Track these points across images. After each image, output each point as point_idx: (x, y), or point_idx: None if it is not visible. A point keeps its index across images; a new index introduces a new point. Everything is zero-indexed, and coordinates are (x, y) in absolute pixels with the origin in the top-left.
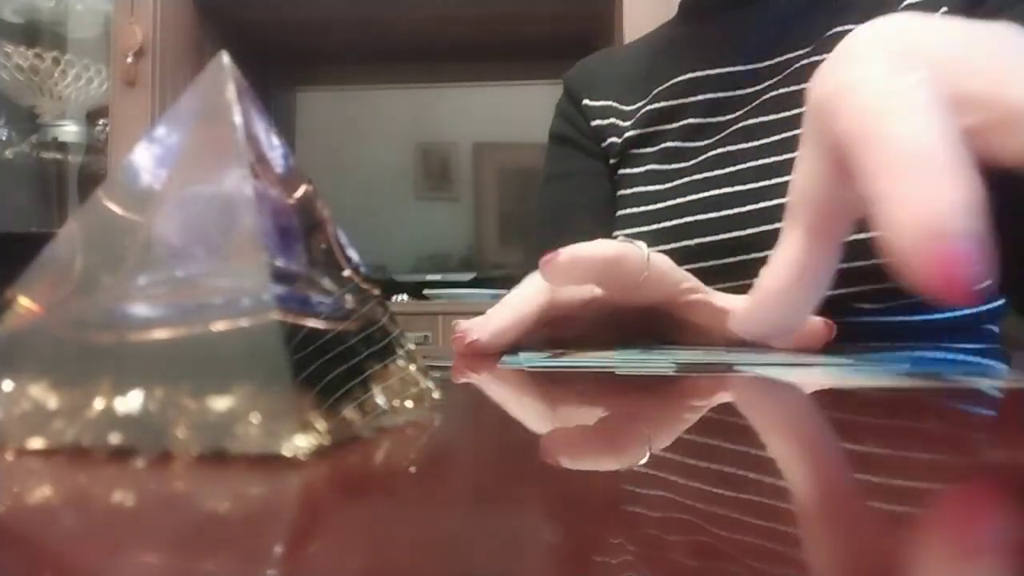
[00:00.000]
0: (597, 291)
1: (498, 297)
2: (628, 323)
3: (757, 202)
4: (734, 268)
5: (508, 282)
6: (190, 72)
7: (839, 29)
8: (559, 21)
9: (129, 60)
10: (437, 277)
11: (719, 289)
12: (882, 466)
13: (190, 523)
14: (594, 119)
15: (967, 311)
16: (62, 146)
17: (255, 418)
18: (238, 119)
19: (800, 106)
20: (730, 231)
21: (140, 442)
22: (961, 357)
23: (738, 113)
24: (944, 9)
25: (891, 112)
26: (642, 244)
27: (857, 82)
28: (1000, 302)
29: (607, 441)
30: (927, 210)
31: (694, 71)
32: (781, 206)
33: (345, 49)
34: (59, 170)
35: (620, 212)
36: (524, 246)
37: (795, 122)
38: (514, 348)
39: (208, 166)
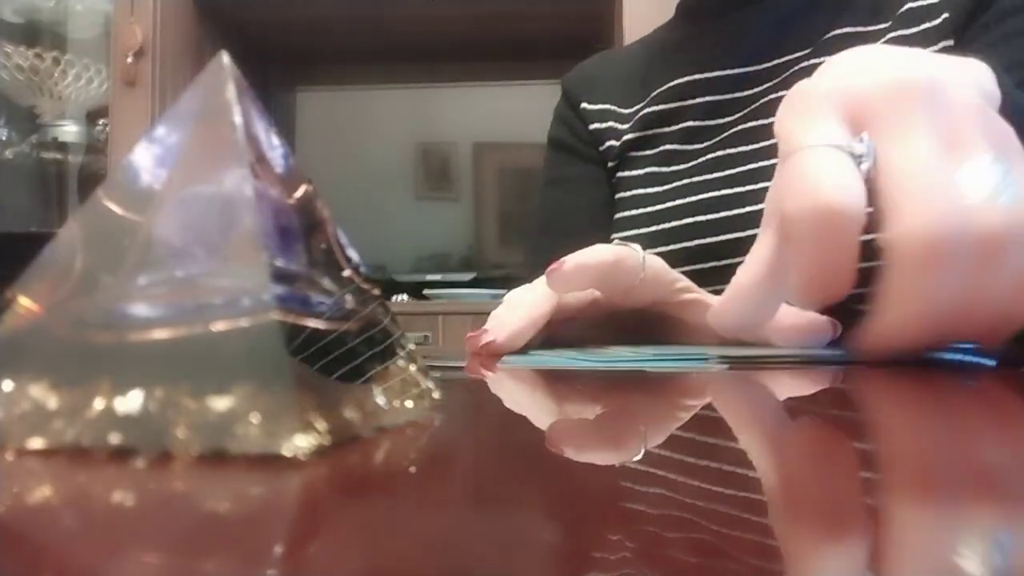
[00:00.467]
0: (597, 294)
1: (498, 297)
2: (624, 324)
3: (756, 204)
4: (733, 270)
5: (508, 282)
6: (190, 72)
7: (838, 32)
8: (559, 21)
9: (129, 60)
10: (437, 277)
11: (718, 290)
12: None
13: (190, 523)
14: (592, 123)
15: None
16: (62, 146)
17: (255, 418)
18: (238, 119)
19: None
20: (729, 233)
21: (140, 442)
22: (959, 357)
23: (737, 116)
24: (945, 15)
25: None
26: (637, 247)
27: (794, 139)
28: None
29: (608, 439)
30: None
31: (693, 74)
32: None
33: (345, 49)
34: (59, 170)
35: (619, 214)
36: (524, 246)
37: None
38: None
39: (208, 166)
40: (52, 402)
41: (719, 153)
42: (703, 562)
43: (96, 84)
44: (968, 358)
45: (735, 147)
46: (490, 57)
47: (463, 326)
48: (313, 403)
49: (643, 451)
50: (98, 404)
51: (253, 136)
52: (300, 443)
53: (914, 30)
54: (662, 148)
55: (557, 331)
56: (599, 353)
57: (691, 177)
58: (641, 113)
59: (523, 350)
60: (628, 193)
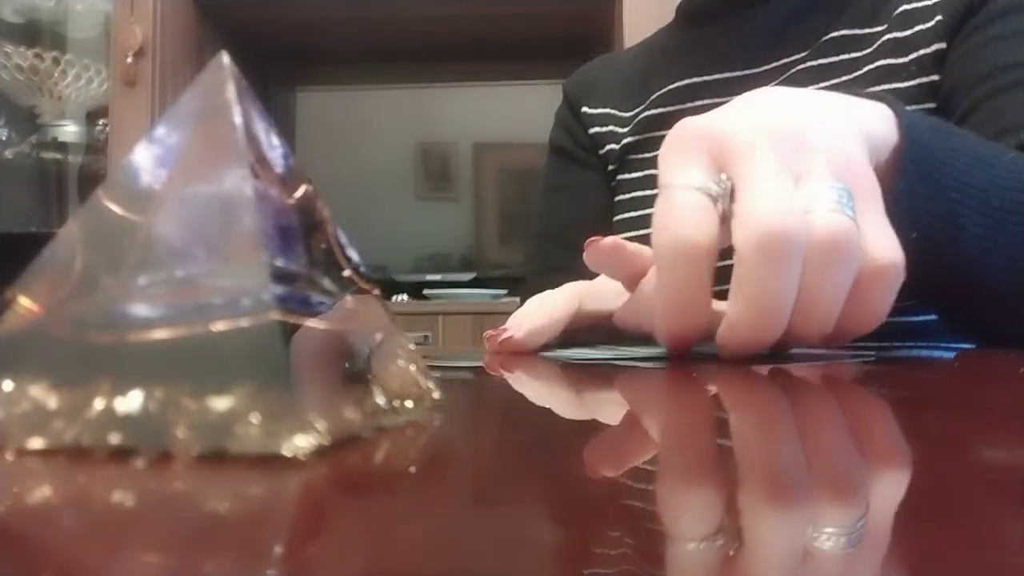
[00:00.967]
0: (616, 305)
1: (498, 297)
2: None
3: None
4: (731, 270)
5: (508, 282)
6: (190, 72)
7: (836, 34)
8: (559, 21)
9: (129, 60)
10: (437, 277)
11: (716, 293)
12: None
13: (190, 523)
14: (593, 127)
15: None
16: (62, 146)
17: (255, 418)
18: (238, 119)
19: None
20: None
21: (140, 442)
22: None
23: None
24: (938, 18)
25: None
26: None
27: (666, 175)
28: None
29: (608, 439)
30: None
31: (692, 76)
32: None
33: (345, 49)
34: (59, 170)
35: (619, 216)
36: (524, 247)
37: None
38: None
39: (208, 166)
40: (52, 402)
41: None
42: (702, 561)
43: (96, 84)
44: (927, 354)
45: None
46: (490, 57)
47: (463, 326)
48: (313, 403)
49: (643, 451)
50: (98, 404)
51: (253, 136)
52: (300, 443)
53: (908, 32)
54: None
55: (574, 338)
56: (619, 350)
57: None
58: (640, 116)
59: (542, 350)
60: (628, 195)
